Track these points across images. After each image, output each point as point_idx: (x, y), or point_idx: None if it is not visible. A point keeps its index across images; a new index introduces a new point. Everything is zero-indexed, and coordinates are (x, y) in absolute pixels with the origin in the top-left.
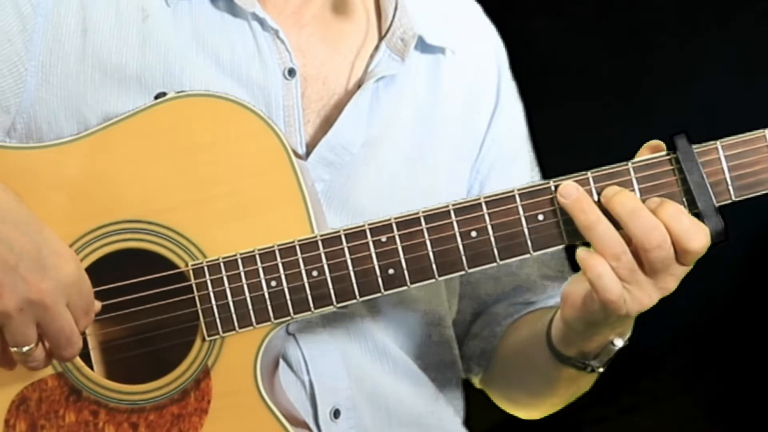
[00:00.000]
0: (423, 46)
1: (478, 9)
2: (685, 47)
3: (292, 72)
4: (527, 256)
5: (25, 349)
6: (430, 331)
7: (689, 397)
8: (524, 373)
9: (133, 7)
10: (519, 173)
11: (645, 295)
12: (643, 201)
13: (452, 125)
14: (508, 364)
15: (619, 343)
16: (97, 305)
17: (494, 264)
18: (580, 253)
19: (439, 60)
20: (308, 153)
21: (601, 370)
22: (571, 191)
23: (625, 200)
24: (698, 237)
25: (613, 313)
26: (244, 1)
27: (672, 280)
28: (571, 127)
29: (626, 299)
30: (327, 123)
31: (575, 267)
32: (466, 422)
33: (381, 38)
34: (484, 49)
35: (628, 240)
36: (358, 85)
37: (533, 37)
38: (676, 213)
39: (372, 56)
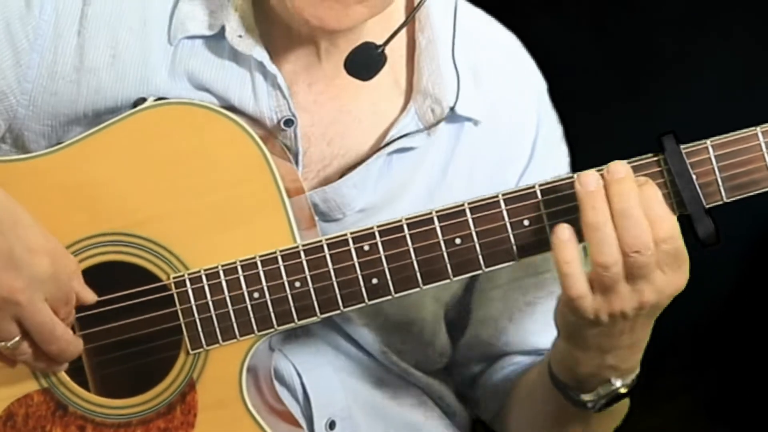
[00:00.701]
0: (451, 116)
1: (518, 57)
2: (686, 47)
3: (288, 122)
4: (513, 262)
5: (9, 344)
6: (414, 342)
7: (689, 397)
8: (533, 413)
9: (132, 48)
10: None
11: (617, 299)
12: None
13: (469, 191)
14: (518, 407)
15: (617, 383)
16: (92, 296)
17: (480, 271)
18: (560, 233)
19: (464, 126)
20: None
21: (590, 406)
22: (591, 182)
23: (625, 192)
24: (663, 226)
25: (577, 311)
26: (243, 45)
27: (650, 290)
28: (571, 127)
29: (595, 300)
30: (326, 182)
31: None
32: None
33: (409, 99)
34: (522, 107)
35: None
36: (372, 146)
37: (533, 37)
38: (649, 199)
39: (396, 119)
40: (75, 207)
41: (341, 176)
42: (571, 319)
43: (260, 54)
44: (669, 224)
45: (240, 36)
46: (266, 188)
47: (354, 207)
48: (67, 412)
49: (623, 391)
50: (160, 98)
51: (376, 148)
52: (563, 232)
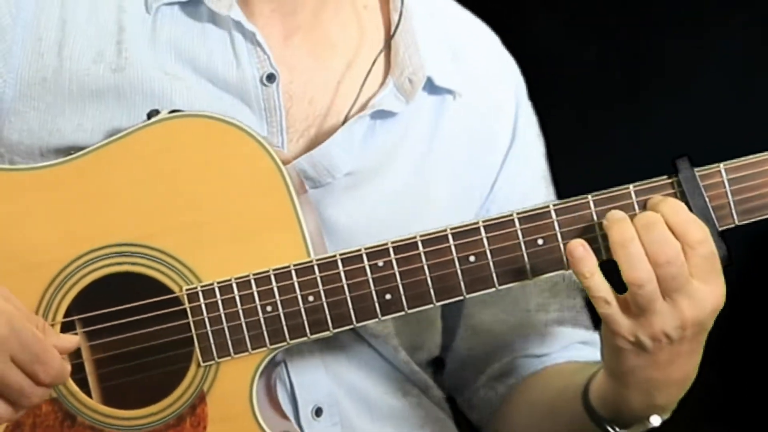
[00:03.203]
0: (431, 87)
1: (495, 41)
2: (686, 47)
3: (271, 77)
4: (527, 281)
5: None
6: (411, 325)
7: (689, 397)
8: (545, 428)
9: (112, 19)
10: None
11: (657, 319)
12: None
13: (454, 168)
14: (526, 417)
15: (656, 421)
16: (72, 342)
17: (493, 289)
18: (574, 251)
19: (445, 100)
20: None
21: None
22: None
23: (645, 213)
24: (696, 228)
25: (612, 327)
26: (219, 5)
27: (688, 305)
28: (571, 128)
29: (634, 324)
30: (312, 145)
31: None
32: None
33: (388, 73)
34: (500, 87)
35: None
36: (353, 111)
37: (533, 37)
38: (674, 207)
39: (375, 92)
40: (88, 217)
41: (325, 139)
42: (614, 344)
43: (237, 13)
44: (698, 227)
45: None
46: (280, 202)
47: (342, 169)
48: (75, 422)
49: (657, 425)
50: (174, 110)
51: (357, 112)
52: (576, 249)
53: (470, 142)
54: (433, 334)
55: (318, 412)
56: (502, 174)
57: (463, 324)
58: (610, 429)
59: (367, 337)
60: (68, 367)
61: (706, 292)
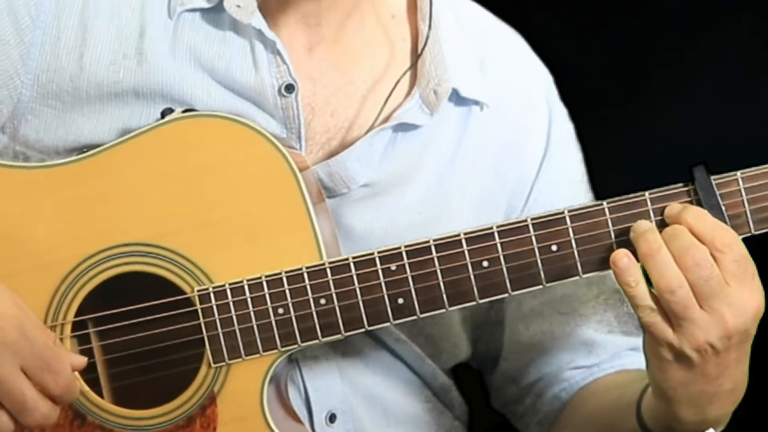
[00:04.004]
0: (457, 98)
1: (524, 51)
2: (686, 47)
3: (290, 88)
4: (540, 287)
5: None
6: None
7: None
8: None
9: (134, 23)
10: None
11: (698, 329)
12: (661, 226)
13: (478, 179)
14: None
15: None
16: (80, 360)
17: (506, 295)
18: (619, 261)
19: (472, 111)
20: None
21: None
22: (643, 223)
23: (669, 225)
24: (724, 233)
25: (655, 336)
26: (241, 14)
27: (729, 312)
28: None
29: (676, 336)
30: (330, 156)
31: None
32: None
33: (414, 84)
34: (531, 96)
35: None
36: (375, 123)
37: (533, 36)
38: (698, 215)
39: (401, 103)
40: (100, 216)
41: (350, 147)
42: (659, 356)
43: (258, 22)
44: (726, 231)
45: (238, 6)
46: (293, 203)
47: (358, 181)
48: (85, 421)
49: None
50: (187, 109)
51: (380, 124)
52: (621, 259)
53: (497, 153)
54: (451, 343)
55: (332, 418)
56: (537, 184)
57: (506, 341)
58: None
59: (390, 342)
60: (78, 384)
61: (746, 298)
